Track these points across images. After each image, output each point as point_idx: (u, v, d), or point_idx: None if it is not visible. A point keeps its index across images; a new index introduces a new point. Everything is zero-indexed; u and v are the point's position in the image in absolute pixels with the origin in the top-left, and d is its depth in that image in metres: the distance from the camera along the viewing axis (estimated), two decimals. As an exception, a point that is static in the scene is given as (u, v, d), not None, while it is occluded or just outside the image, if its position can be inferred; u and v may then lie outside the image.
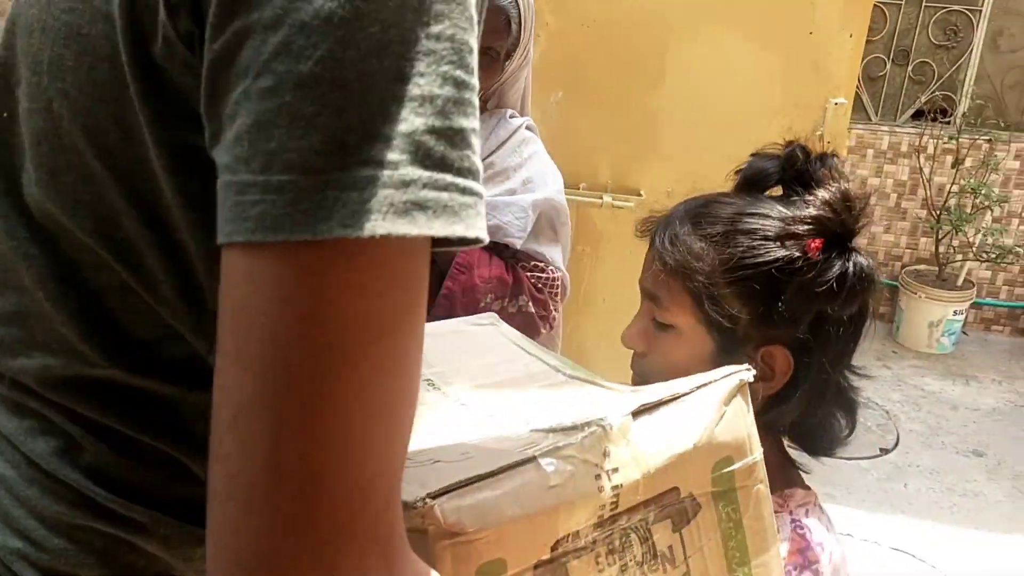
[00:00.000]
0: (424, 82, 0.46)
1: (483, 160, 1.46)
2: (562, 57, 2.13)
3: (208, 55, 0.47)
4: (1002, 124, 4.49)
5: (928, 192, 4.57)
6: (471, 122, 0.48)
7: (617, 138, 2.20)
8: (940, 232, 4.51)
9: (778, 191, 0.98)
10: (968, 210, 4.47)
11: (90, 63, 0.54)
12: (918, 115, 4.65)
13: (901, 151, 4.59)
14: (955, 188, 4.49)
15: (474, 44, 0.49)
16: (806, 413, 0.94)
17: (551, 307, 1.49)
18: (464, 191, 0.47)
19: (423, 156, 0.45)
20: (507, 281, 1.43)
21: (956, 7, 4.46)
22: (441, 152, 0.46)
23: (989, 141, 4.43)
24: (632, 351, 1.00)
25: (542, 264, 1.48)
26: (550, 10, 2.08)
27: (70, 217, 0.57)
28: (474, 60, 0.49)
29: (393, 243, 0.44)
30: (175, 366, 0.59)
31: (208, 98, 0.48)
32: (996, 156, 4.43)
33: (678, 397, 0.68)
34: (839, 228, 0.90)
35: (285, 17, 0.44)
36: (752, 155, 0.99)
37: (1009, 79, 4.60)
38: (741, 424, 0.70)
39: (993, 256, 4.41)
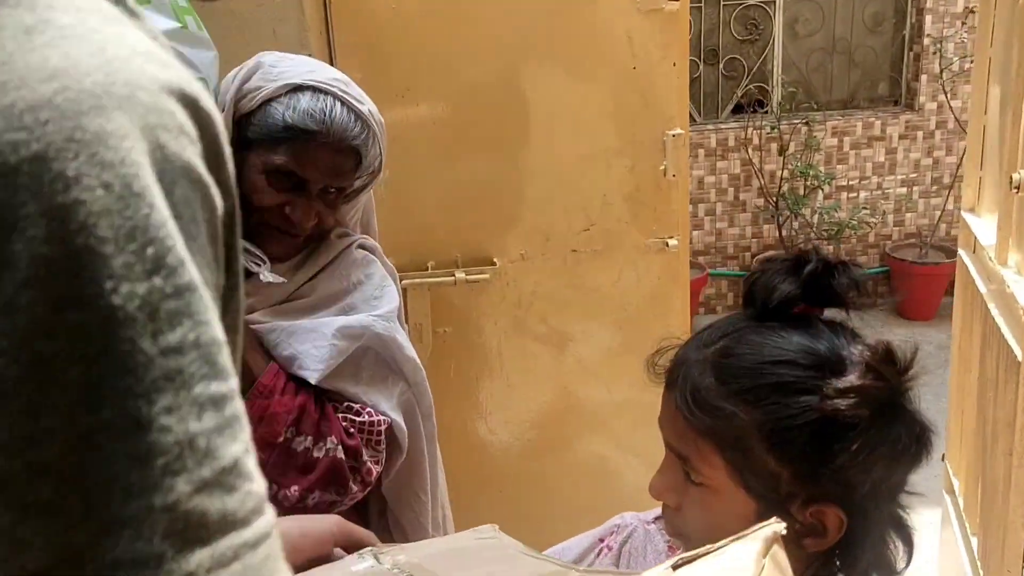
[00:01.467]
0: (173, 421, 0.34)
1: (297, 291, 1.18)
2: (381, 133, 1.94)
3: None
4: (815, 106, 4.66)
5: (762, 181, 4.68)
6: (243, 435, 0.37)
7: (458, 208, 2.04)
8: (780, 218, 4.62)
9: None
10: (801, 192, 4.61)
11: None
12: (738, 109, 4.76)
13: (729, 146, 4.68)
14: (785, 174, 4.62)
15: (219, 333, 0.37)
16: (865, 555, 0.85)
17: (365, 457, 1.21)
18: (256, 543, 0.36)
19: (196, 528, 0.34)
20: (313, 416, 1.17)
21: (752, 2, 4.60)
22: (219, 510, 0.35)
23: (807, 124, 4.58)
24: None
25: (356, 406, 1.23)
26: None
27: None
28: (225, 354, 0.37)
29: None
30: None
31: None
32: (816, 137, 4.58)
33: (714, 550, 0.66)
34: (887, 394, 0.79)
35: None
36: (759, 267, 0.87)
37: (812, 62, 4.78)
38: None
39: (833, 232, 4.56)
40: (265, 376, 1.16)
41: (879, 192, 4.83)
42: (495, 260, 2.08)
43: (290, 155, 1.16)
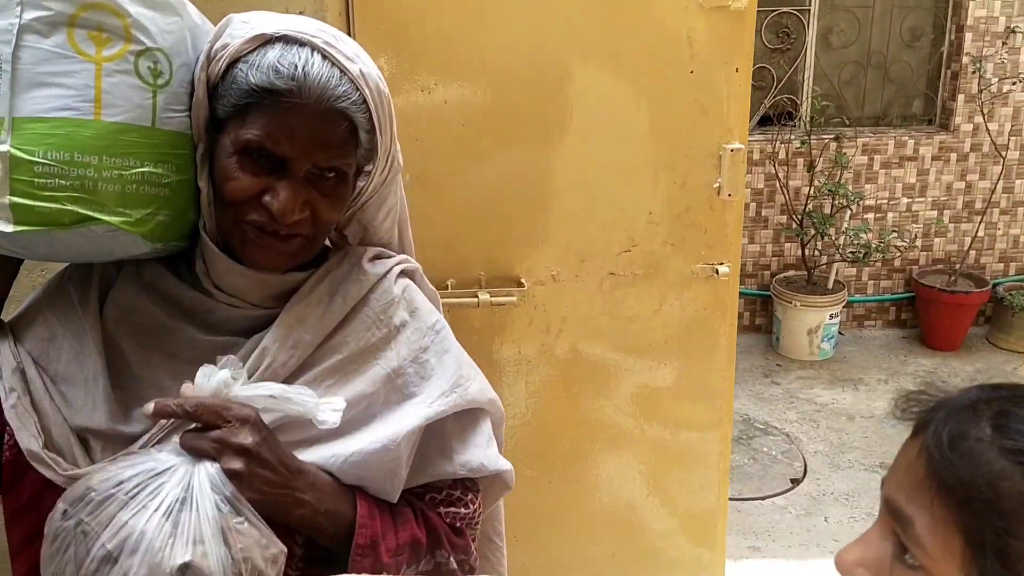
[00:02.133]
0: None
1: (327, 342, 0.84)
2: (402, 132, 1.70)
3: None
4: (846, 121, 4.44)
5: (787, 197, 4.46)
6: None
7: (484, 220, 1.81)
8: (804, 237, 4.40)
9: None
10: (827, 211, 4.39)
11: None
12: (764, 121, 4.54)
13: (754, 159, 4.46)
14: (811, 191, 4.40)
15: None
16: None
17: (472, 548, 1.04)
18: None
19: None
20: (421, 542, 0.98)
21: (786, 9, 4.38)
22: None
23: (836, 140, 4.36)
24: None
25: (457, 492, 1.02)
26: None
27: None
28: None
29: None
30: None
31: None
32: (845, 154, 4.36)
33: None
34: None
35: None
36: None
37: (845, 75, 4.56)
38: None
39: (860, 256, 4.33)
40: (360, 534, 0.92)
41: (908, 215, 4.61)
42: (523, 281, 1.85)
43: (259, 126, 0.90)
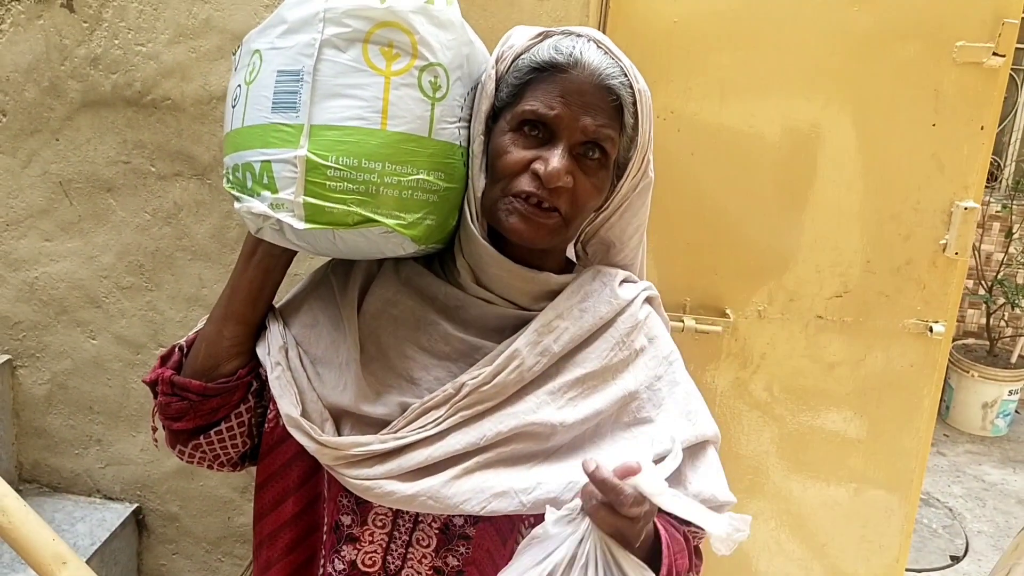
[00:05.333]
0: None
1: (572, 355, 0.90)
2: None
3: None
4: (1053, 189, 4.19)
5: (978, 261, 4.24)
6: None
7: (696, 247, 1.83)
8: (992, 305, 4.17)
9: None
10: (1020, 281, 4.15)
11: None
12: (962, 179, 4.34)
13: (945, 217, 4.26)
14: (1006, 258, 4.17)
15: None
16: None
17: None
18: None
19: None
20: (691, 569, 1.05)
21: (1001, 65, 4.17)
22: None
23: (1040, 207, 4.12)
24: None
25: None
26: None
27: None
28: None
29: None
30: None
31: None
32: (1047, 223, 4.12)
33: None
34: None
35: None
36: None
37: (1058, 140, 4.31)
38: None
39: (1053, 333, 4.07)
40: (665, 564, 0.97)
41: (1111, 296, 4.29)
42: (728, 312, 1.86)
43: (535, 96, 0.99)
